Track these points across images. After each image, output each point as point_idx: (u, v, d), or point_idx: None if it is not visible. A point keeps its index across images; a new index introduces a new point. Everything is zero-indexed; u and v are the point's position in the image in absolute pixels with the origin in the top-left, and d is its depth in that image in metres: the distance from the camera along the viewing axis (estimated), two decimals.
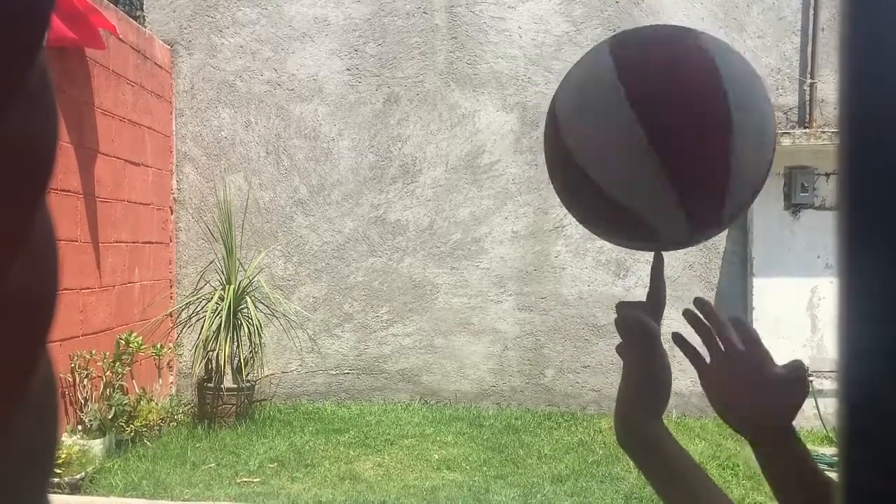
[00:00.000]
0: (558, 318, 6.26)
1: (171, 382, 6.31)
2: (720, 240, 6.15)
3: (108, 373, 4.87)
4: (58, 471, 3.93)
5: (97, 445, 4.51)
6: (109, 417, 4.70)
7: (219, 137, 6.41)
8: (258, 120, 6.41)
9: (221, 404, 5.50)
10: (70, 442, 4.26)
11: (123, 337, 5.24)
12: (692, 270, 6.16)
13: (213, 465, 4.69)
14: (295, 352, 6.33)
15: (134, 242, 5.64)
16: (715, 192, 0.80)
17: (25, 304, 0.26)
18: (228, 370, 5.55)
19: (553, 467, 4.77)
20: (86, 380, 4.64)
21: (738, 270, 6.15)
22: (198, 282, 6.18)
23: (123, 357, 5.12)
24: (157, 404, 5.36)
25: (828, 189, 5.98)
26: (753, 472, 4.40)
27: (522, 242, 6.29)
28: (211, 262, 6.18)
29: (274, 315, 6.03)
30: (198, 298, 5.97)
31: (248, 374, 5.63)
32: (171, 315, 6.14)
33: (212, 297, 5.73)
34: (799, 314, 6.02)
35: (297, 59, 6.39)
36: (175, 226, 6.40)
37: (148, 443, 4.95)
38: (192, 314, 5.98)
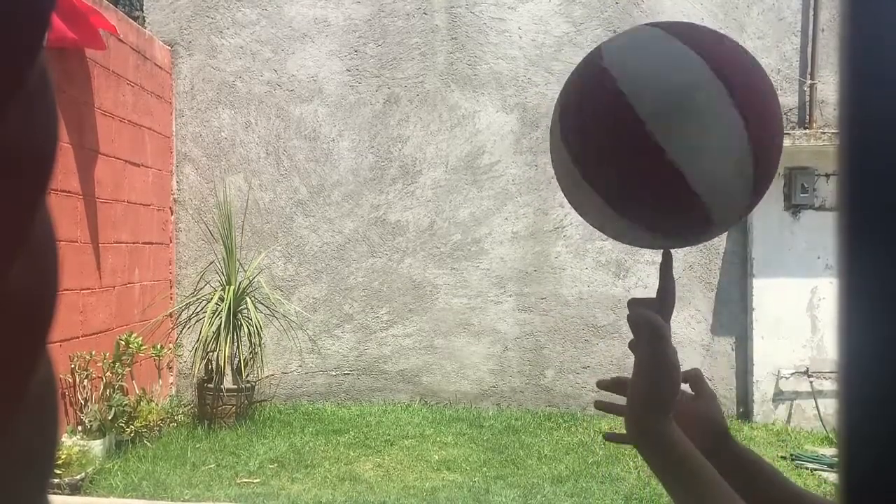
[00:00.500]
0: (558, 319, 6.26)
1: (171, 383, 6.30)
2: (720, 240, 6.15)
3: (108, 373, 4.87)
4: (58, 471, 3.93)
5: (97, 446, 4.51)
6: (109, 418, 4.70)
7: (219, 138, 6.42)
8: (258, 121, 6.41)
9: (221, 405, 5.50)
10: (70, 443, 4.26)
11: (123, 337, 5.24)
12: (692, 271, 6.16)
13: (213, 465, 4.69)
14: (295, 352, 6.33)
15: (134, 243, 5.64)
16: (686, 223, 0.86)
17: (25, 305, 0.26)
18: (228, 371, 5.55)
19: (553, 468, 4.77)
20: (86, 380, 4.64)
21: (739, 271, 6.15)
22: (198, 282, 6.18)
23: (123, 358, 5.12)
24: (157, 405, 5.35)
25: (828, 190, 5.98)
26: None
27: (522, 243, 6.29)
28: (211, 263, 6.18)
29: (274, 316, 6.03)
30: (198, 299, 5.97)
31: (248, 374, 5.63)
32: (171, 316, 6.14)
33: (212, 298, 5.73)
34: (799, 315, 6.02)
35: (297, 59, 6.39)
36: (175, 226, 6.40)
37: (148, 443, 4.95)
38: (192, 315, 5.98)
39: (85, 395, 4.64)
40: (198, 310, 5.92)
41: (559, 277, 6.27)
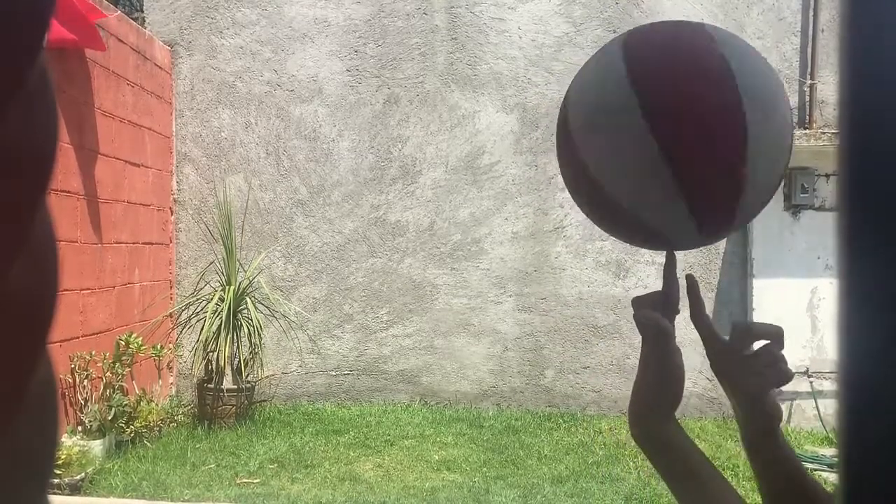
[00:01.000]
0: (558, 319, 6.26)
1: (171, 383, 6.30)
2: (720, 241, 6.15)
3: (107, 374, 4.87)
4: (58, 472, 3.93)
5: (97, 446, 4.51)
6: (109, 418, 4.70)
7: (219, 138, 6.42)
8: (258, 121, 6.41)
9: (221, 405, 5.50)
10: (70, 443, 4.26)
11: (123, 338, 5.24)
12: (692, 271, 6.14)
13: (212, 465, 4.69)
14: (295, 353, 6.32)
15: (134, 243, 5.64)
16: (726, 206, 0.81)
17: (25, 305, 0.26)
18: (228, 371, 5.55)
19: (553, 468, 4.76)
20: (86, 381, 4.64)
21: (739, 271, 6.16)
22: (198, 282, 6.18)
23: (123, 358, 5.12)
24: (156, 405, 5.35)
25: (828, 190, 5.98)
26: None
27: (522, 243, 6.29)
28: (211, 263, 6.18)
29: (274, 316, 6.03)
30: (198, 299, 5.97)
31: (248, 374, 5.63)
32: (171, 316, 6.14)
33: (212, 298, 5.73)
34: (799, 315, 6.02)
35: (297, 60, 6.39)
36: (175, 226, 6.40)
37: (148, 443, 4.95)
38: (192, 315, 5.98)
39: (85, 396, 4.64)
40: (198, 310, 5.92)
41: (559, 277, 6.27)
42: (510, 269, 6.30)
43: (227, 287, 5.74)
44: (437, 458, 4.96)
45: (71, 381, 4.61)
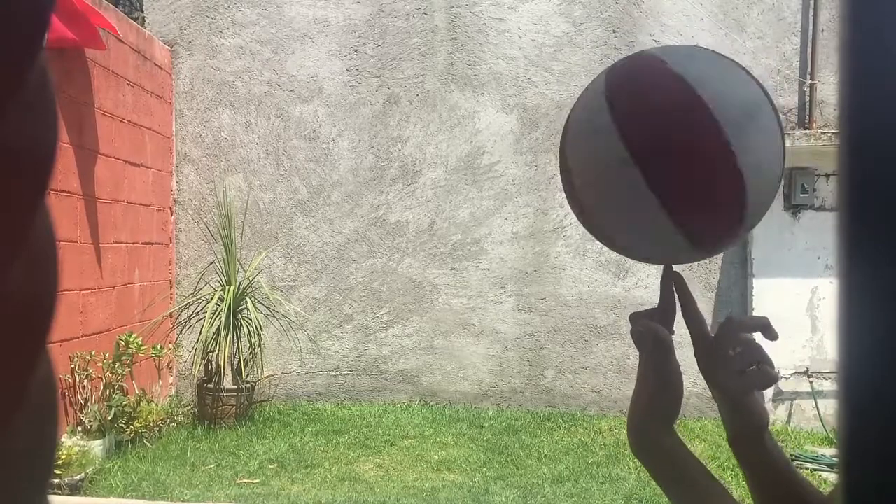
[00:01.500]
0: (558, 319, 6.26)
1: (171, 383, 6.30)
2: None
3: (107, 374, 4.87)
4: (57, 472, 3.93)
5: (97, 446, 4.51)
6: (109, 418, 4.70)
7: (219, 138, 6.42)
8: (258, 121, 6.41)
9: (221, 405, 5.50)
10: (70, 443, 4.26)
11: (123, 338, 5.24)
12: (692, 271, 6.16)
13: (212, 465, 4.69)
14: (295, 353, 6.32)
15: (134, 243, 5.64)
16: (723, 234, 0.82)
17: (25, 305, 0.26)
18: (228, 371, 5.55)
19: (553, 468, 4.76)
20: (85, 381, 4.64)
21: (738, 271, 6.15)
22: (198, 283, 6.18)
23: (123, 358, 5.12)
24: (156, 405, 5.35)
25: (828, 190, 5.98)
26: None
27: (522, 243, 6.29)
28: (211, 263, 6.18)
29: (274, 316, 6.03)
30: (198, 299, 5.97)
31: (247, 374, 5.63)
32: (170, 316, 6.14)
33: (212, 298, 5.73)
34: (799, 315, 6.02)
35: (297, 59, 6.39)
36: (175, 227, 6.40)
37: (148, 444, 4.95)
38: (191, 315, 5.98)
39: (85, 395, 4.64)
40: (198, 310, 5.92)
41: (559, 278, 6.27)
42: (510, 269, 6.30)
43: (227, 287, 5.74)
44: (437, 458, 4.96)
45: (71, 381, 4.61)
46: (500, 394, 6.30)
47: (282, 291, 6.28)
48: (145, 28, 6.18)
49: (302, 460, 4.83)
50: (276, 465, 4.75)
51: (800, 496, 0.81)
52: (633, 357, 6.11)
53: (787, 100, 6.16)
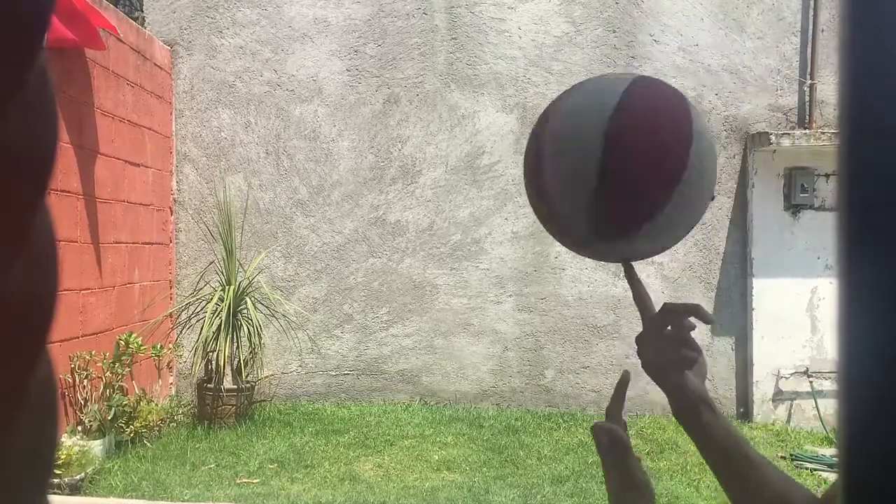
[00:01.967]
0: (558, 319, 6.26)
1: (171, 383, 6.30)
2: (720, 240, 6.16)
3: (107, 373, 4.87)
4: (57, 471, 3.93)
5: (97, 446, 4.51)
6: (109, 418, 4.70)
7: (218, 138, 6.42)
8: (258, 121, 6.41)
9: (221, 405, 5.50)
10: (70, 443, 4.26)
11: (123, 338, 5.24)
12: (692, 271, 6.16)
13: (212, 465, 4.69)
14: (295, 352, 6.32)
15: (134, 243, 5.64)
16: (627, 229, 0.90)
17: (25, 305, 0.26)
18: (228, 371, 5.55)
19: (553, 468, 4.76)
20: (85, 380, 4.64)
21: (739, 271, 6.15)
22: (198, 282, 6.18)
23: (123, 358, 5.12)
24: (156, 405, 5.35)
25: (828, 190, 5.98)
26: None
27: (522, 243, 6.29)
28: (211, 263, 6.18)
29: (274, 316, 6.03)
30: (198, 299, 5.97)
31: (247, 374, 5.63)
32: (170, 316, 6.14)
33: (212, 298, 5.73)
34: (799, 315, 6.02)
35: (297, 59, 6.39)
36: (175, 226, 6.40)
37: (148, 443, 4.95)
38: (191, 315, 5.98)
39: (85, 395, 4.64)
40: (198, 310, 5.92)
41: (559, 277, 6.27)
42: (510, 269, 6.30)
43: (227, 287, 5.74)
44: (436, 457, 4.96)
45: (71, 381, 4.60)
46: (499, 394, 6.30)
47: (282, 291, 6.28)
48: (145, 28, 6.18)
49: (302, 460, 4.83)
50: (275, 464, 4.75)
51: (744, 473, 0.85)
52: (633, 357, 6.09)
53: (787, 100, 6.16)
